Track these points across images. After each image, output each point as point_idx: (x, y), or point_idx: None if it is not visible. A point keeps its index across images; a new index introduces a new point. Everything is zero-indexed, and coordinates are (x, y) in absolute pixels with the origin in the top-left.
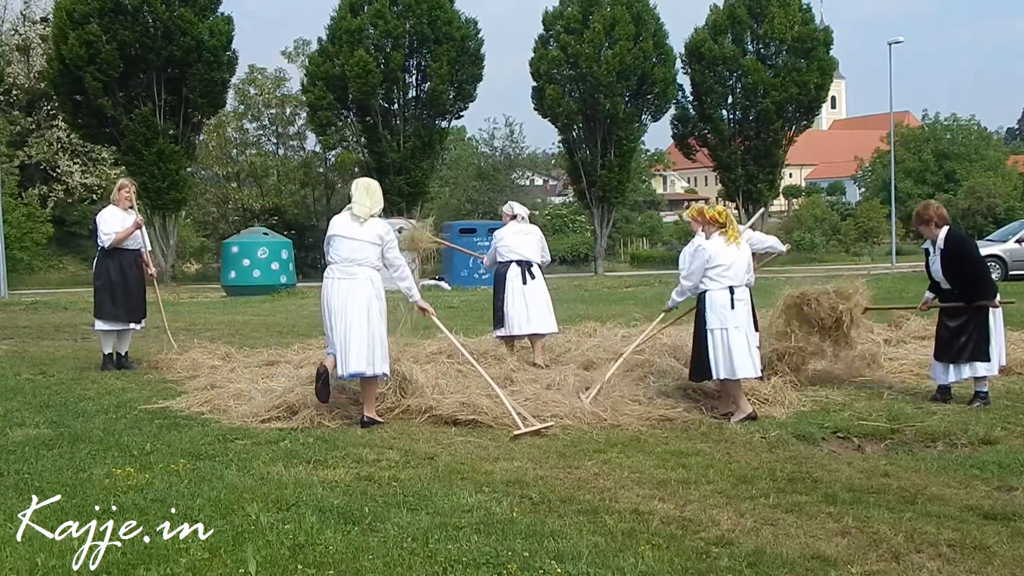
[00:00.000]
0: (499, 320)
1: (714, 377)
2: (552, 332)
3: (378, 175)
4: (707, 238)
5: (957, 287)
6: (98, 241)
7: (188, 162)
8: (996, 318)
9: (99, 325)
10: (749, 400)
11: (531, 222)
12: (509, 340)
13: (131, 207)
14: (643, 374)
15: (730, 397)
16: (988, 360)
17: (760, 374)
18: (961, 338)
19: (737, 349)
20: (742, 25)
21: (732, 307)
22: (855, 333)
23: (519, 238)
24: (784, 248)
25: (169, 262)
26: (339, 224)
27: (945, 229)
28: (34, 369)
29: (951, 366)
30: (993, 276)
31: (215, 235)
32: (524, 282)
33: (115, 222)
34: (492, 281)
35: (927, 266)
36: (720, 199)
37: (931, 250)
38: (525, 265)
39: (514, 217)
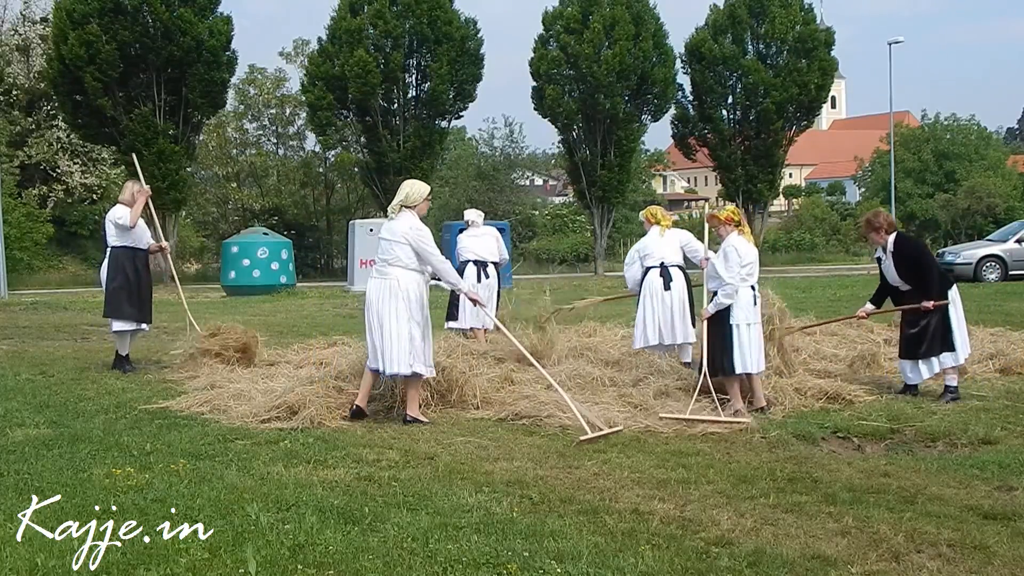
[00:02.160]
0: (452, 314)
1: (738, 371)
2: (488, 328)
3: (378, 175)
4: (723, 237)
5: (913, 286)
6: (108, 240)
7: (188, 162)
8: (957, 309)
9: (117, 326)
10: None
11: (529, 223)
12: (460, 332)
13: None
14: (642, 374)
15: (736, 392)
16: (953, 350)
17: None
18: (925, 335)
19: (757, 345)
20: (742, 25)
21: (755, 303)
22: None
23: (474, 240)
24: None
25: (169, 262)
26: (384, 228)
27: (894, 234)
28: (34, 369)
29: (920, 363)
30: (993, 276)
31: (215, 235)
32: (479, 280)
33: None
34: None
35: (881, 273)
36: (720, 199)
37: (883, 256)
38: (481, 265)
39: (468, 224)
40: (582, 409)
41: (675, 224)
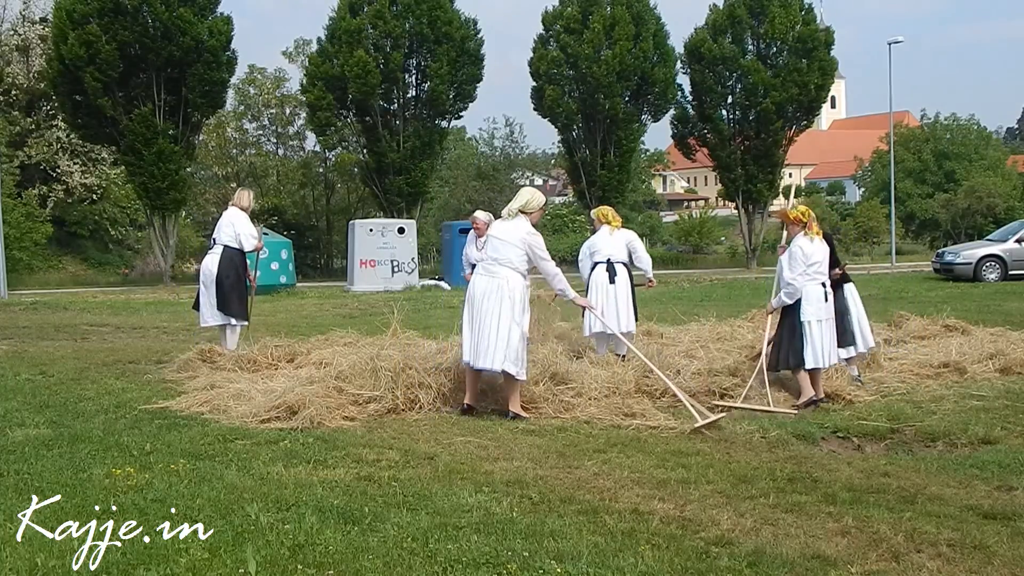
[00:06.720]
0: None
1: (808, 366)
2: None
3: (378, 175)
4: (789, 239)
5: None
6: (223, 240)
7: (188, 162)
8: (854, 301)
9: (235, 322)
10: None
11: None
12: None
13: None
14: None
15: (807, 383)
16: (853, 343)
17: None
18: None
19: (829, 340)
20: (742, 25)
21: (826, 300)
22: None
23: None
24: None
25: (169, 262)
26: (495, 226)
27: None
28: (34, 369)
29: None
30: (993, 276)
31: None
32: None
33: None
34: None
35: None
36: (720, 199)
37: None
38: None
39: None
40: (691, 400)
41: (675, 224)
